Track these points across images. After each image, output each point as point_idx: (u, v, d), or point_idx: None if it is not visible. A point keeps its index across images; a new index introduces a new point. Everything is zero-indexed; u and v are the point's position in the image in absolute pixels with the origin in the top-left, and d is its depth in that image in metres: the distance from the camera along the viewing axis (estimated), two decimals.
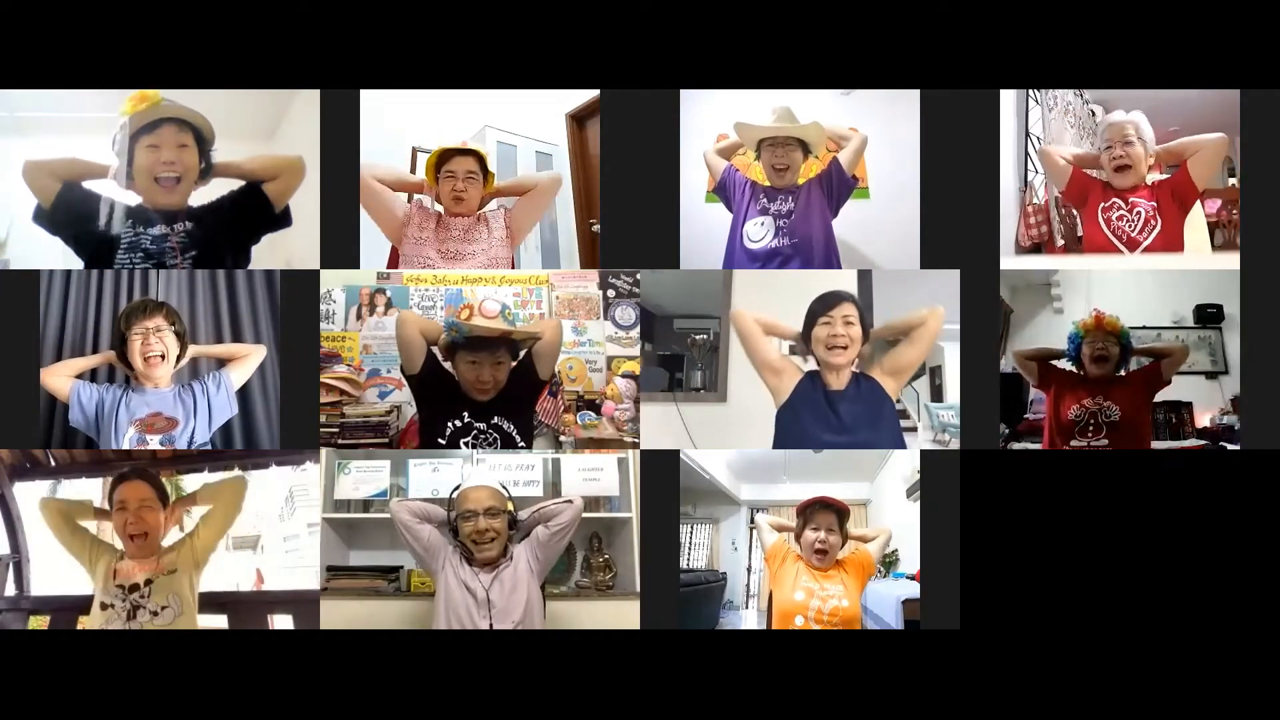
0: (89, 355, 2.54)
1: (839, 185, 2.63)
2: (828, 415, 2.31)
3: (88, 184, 2.37)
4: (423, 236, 2.62)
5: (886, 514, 3.25)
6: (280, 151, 2.52)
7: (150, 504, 2.40)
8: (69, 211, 2.34)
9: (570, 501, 2.43)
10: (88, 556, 2.41)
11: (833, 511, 2.50)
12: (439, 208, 2.66)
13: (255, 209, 2.45)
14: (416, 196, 2.70)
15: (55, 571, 2.65)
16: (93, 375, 2.49)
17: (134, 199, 2.39)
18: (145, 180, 2.36)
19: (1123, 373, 2.63)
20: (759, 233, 2.62)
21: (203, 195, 2.45)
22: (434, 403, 2.46)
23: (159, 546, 2.40)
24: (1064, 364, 2.66)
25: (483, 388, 2.40)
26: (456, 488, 2.44)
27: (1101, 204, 2.64)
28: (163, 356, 2.43)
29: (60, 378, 2.41)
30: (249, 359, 2.55)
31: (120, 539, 2.41)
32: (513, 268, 2.74)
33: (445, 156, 2.62)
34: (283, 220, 2.49)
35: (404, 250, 2.63)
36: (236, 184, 2.45)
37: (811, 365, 2.38)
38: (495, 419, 2.42)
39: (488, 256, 2.64)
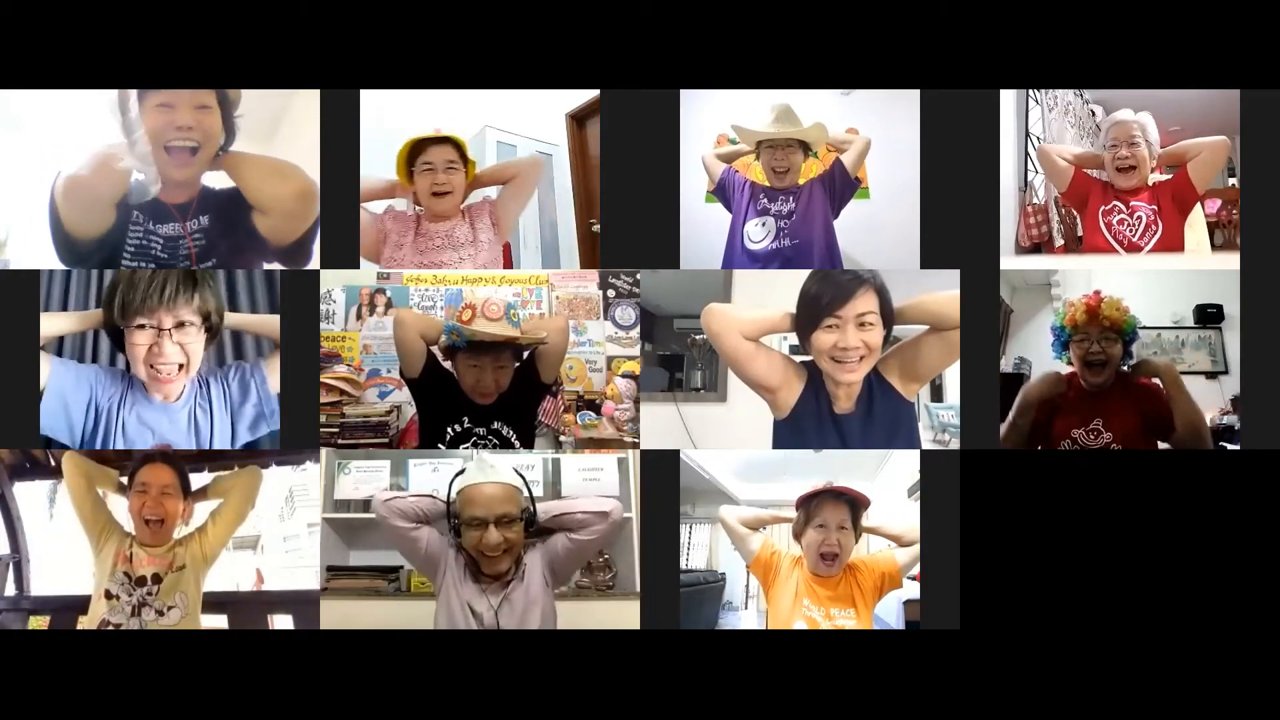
0: (68, 313, 2.07)
1: (842, 186, 2.61)
2: (832, 440, 2.01)
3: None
4: (400, 255, 2.47)
5: (886, 514, 3.24)
6: (281, 154, 2.36)
7: (171, 491, 2.30)
8: (122, 231, 2.00)
9: (606, 514, 2.06)
10: (99, 533, 2.32)
11: (845, 504, 2.16)
12: (417, 209, 2.51)
13: (241, 228, 2.07)
14: (387, 203, 2.55)
15: (55, 571, 2.65)
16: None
17: (135, 175, 2.05)
18: (155, 148, 2.00)
19: (1126, 367, 2.39)
20: (760, 234, 2.60)
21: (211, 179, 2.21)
22: (433, 405, 2.35)
23: (172, 536, 2.34)
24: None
25: (484, 392, 2.29)
26: (460, 473, 2.07)
27: (1102, 206, 2.60)
28: (182, 366, 1.93)
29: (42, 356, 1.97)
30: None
31: (134, 522, 2.31)
32: (508, 264, 2.72)
33: (419, 148, 2.46)
34: (291, 257, 2.09)
35: (385, 267, 2.51)
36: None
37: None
38: (495, 424, 2.32)
39: (474, 263, 2.52)
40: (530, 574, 2.07)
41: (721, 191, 2.69)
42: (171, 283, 1.81)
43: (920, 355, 1.94)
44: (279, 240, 2.06)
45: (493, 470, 2.05)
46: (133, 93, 1.95)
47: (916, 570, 2.37)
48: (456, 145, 2.48)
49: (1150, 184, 2.60)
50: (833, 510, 2.16)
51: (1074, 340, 2.34)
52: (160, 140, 1.97)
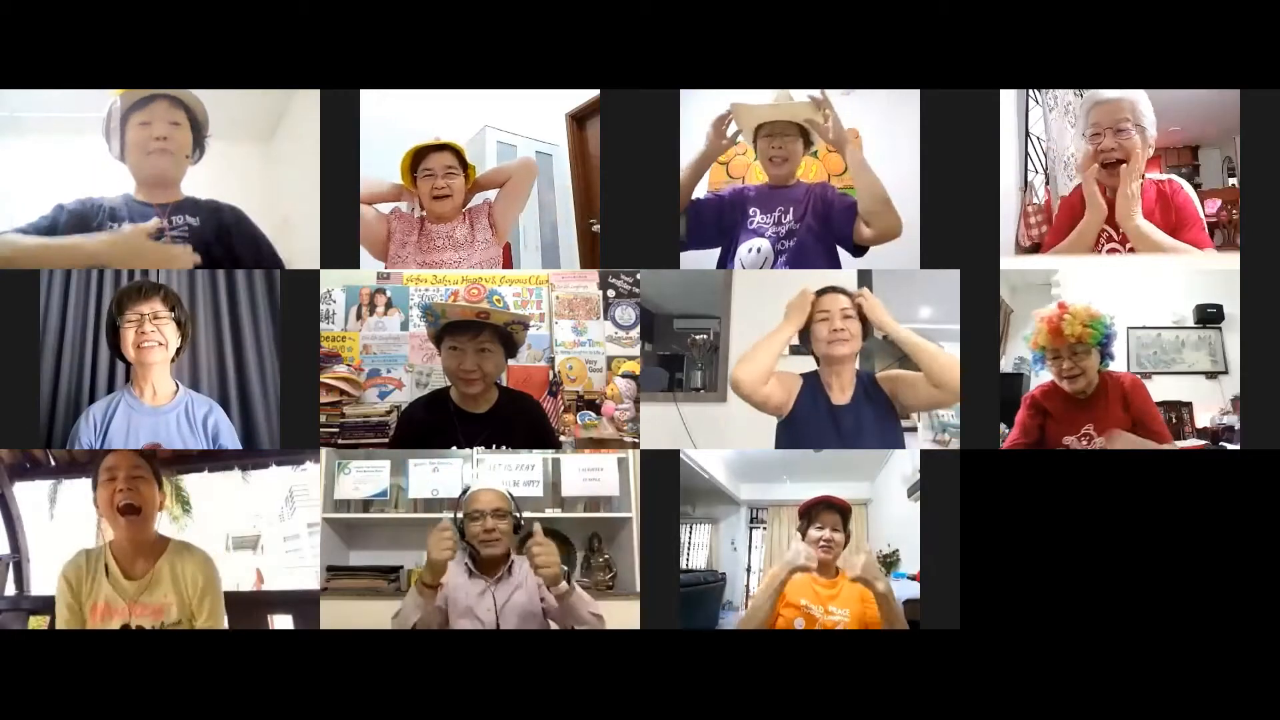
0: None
1: (840, 216, 2.45)
2: (830, 431, 2.27)
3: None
4: (404, 254, 2.56)
5: (886, 514, 3.25)
6: (282, 154, 2.51)
7: (143, 474, 2.21)
8: None
9: (600, 617, 2.25)
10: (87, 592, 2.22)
11: (836, 511, 2.45)
12: (421, 212, 2.61)
13: (222, 222, 2.42)
14: (394, 205, 2.64)
15: (55, 571, 2.64)
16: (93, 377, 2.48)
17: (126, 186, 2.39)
18: (137, 156, 2.36)
19: (1109, 366, 2.40)
20: (753, 262, 2.51)
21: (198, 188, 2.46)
22: (424, 437, 2.44)
23: (152, 534, 2.25)
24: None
25: (468, 377, 2.30)
26: (465, 490, 2.35)
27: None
28: (160, 344, 2.31)
29: None
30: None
31: (108, 518, 2.22)
32: (509, 264, 2.73)
33: (420, 155, 2.57)
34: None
35: (389, 266, 2.62)
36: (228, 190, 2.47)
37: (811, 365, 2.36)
38: (490, 446, 2.43)
39: (471, 263, 2.60)
40: (526, 577, 2.22)
41: (697, 229, 2.52)
42: (145, 288, 2.34)
43: (913, 391, 2.25)
44: None
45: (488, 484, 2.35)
46: (116, 114, 2.36)
47: (916, 570, 2.42)
48: (455, 152, 2.59)
49: (1146, 177, 2.31)
50: (829, 515, 2.44)
51: (1048, 358, 2.35)
52: (142, 149, 2.35)
